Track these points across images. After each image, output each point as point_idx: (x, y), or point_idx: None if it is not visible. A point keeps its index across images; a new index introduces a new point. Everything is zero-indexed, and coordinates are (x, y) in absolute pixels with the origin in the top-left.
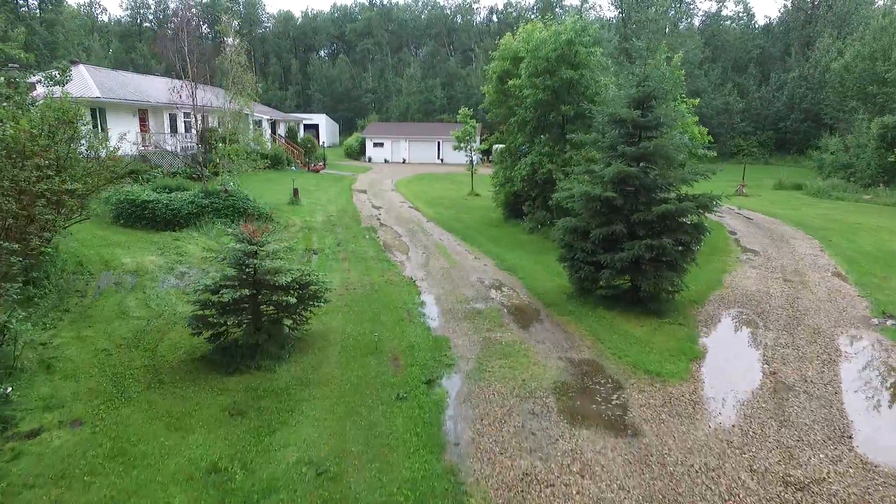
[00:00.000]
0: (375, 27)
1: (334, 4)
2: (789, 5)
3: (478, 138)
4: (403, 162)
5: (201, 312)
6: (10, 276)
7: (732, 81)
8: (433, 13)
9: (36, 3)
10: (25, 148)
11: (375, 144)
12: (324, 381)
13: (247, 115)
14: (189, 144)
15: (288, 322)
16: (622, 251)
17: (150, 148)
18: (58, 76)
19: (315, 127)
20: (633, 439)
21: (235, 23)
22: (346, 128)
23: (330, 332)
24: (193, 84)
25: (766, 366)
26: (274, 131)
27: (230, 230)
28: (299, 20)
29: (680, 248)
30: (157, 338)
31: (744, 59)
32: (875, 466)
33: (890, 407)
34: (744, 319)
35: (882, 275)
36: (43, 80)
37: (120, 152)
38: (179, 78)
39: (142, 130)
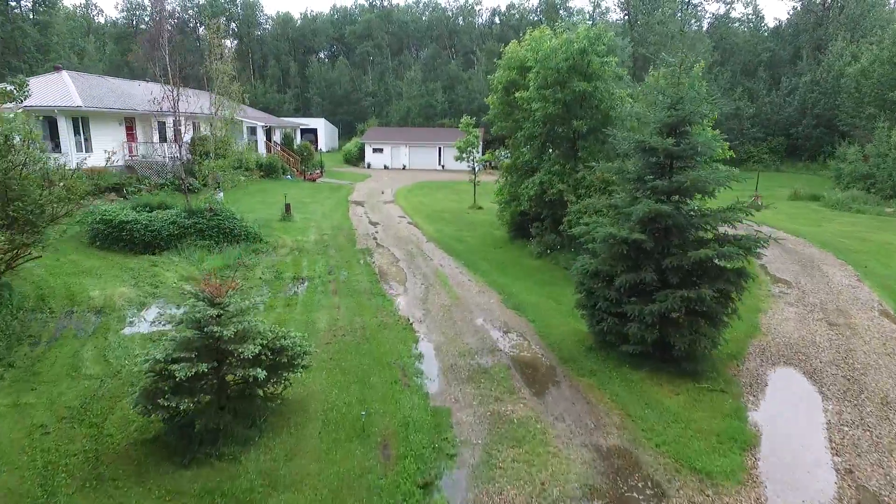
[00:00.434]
0: (375, 29)
1: (334, 6)
2: (799, 7)
3: (480, 147)
4: (403, 168)
5: (152, 387)
6: None
7: (742, 86)
8: (434, 15)
9: (29, 4)
10: None
11: (375, 150)
12: (297, 482)
13: (241, 122)
14: (178, 153)
15: (259, 393)
16: (652, 302)
17: (137, 158)
18: (14, 91)
19: (313, 131)
20: None
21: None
22: (346, 132)
23: (311, 398)
24: (175, 92)
25: (836, 457)
26: (269, 138)
27: (187, 288)
28: (298, 22)
29: (719, 297)
30: (107, 407)
31: (753, 62)
32: None
33: None
34: (794, 383)
35: None
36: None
37: (104, 164)
38: (163, 84)
39: (129, 140)
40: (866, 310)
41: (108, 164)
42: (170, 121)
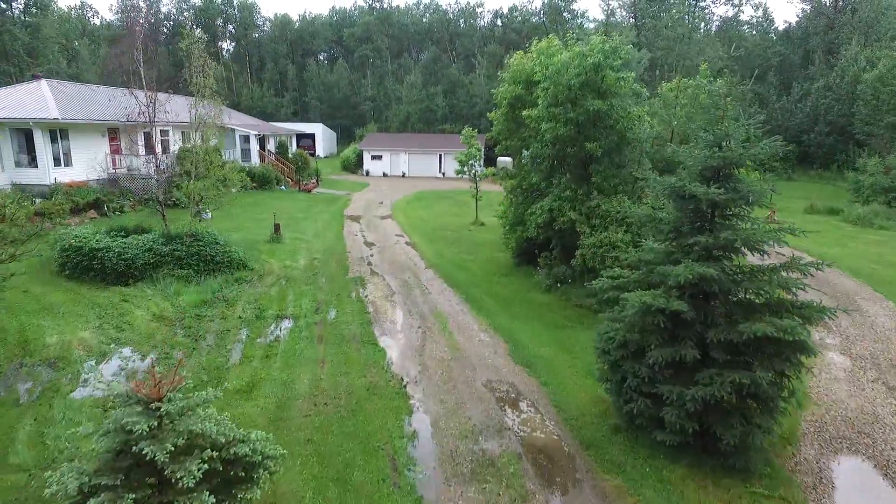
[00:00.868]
0: (374, 32)
1: (333, 7)
2: (808, 9)
3: (482, 158)
4: (403, 176)
5: None
6: None
7: (752, 91)
8: (435, 16)
9: (21, 6)
10: None
11: (373, 157)
12: None
13: (233, 130)
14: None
15: None
16: (694, 384)
17: (121, 171)
18: None
19: (311, 136)
20: None
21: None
22: (345, 136)
23: None
24: (152, 102)
25: None
26: (263, 147)
27: (117, 389)
28: (297, 24)
29: (775, 378)
30: None
31: (763, 66)
32: None
33: None
34: (866, 481)
35: None
36: None
37: (84, 178)
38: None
39: (113, 151)
40: None
41: (89, 178)
42: (157, 130)
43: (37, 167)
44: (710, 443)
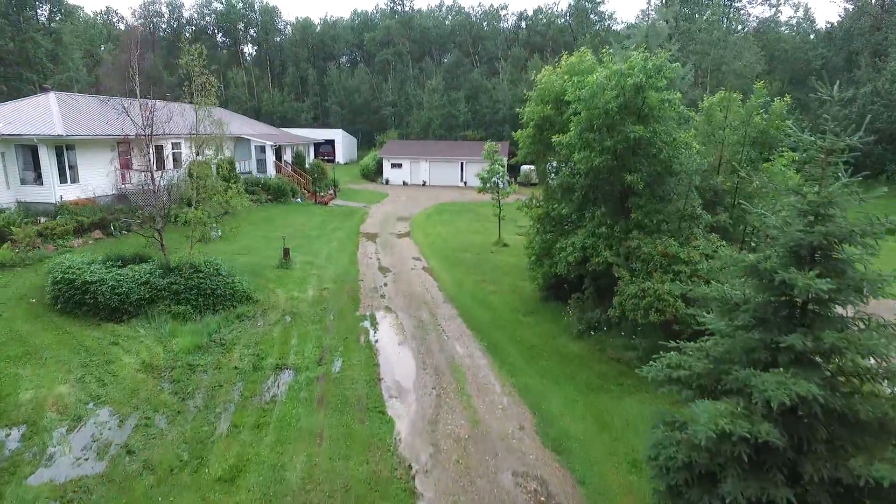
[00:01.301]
0: (396, 36)
1: (354, 10)
2: (851, 9)
3: (506, 176)
4: (423, 184)
5: None
6: None
7: (792, 96)
8: (457, 19)
9: (46, 13)
10: None
11: (393, 165)
12: None
13: (248, 140)
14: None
15: None
16: None
17: (130, 186)
18: None
19: (331, 143)
20: None
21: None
22: (366, 141)
23: None
24: (149, 116)
25: None
26: (279, 157)
27: None
28: (318, 27)
29: None
30: None
31: (803, 70)
32: None
33: None
34: None
35: None
36: None
37: (91, 194)
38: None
39: (122, 166)
40: None
41: (97, 195)
42: (168, 144)
43: (42, 184)
44: None
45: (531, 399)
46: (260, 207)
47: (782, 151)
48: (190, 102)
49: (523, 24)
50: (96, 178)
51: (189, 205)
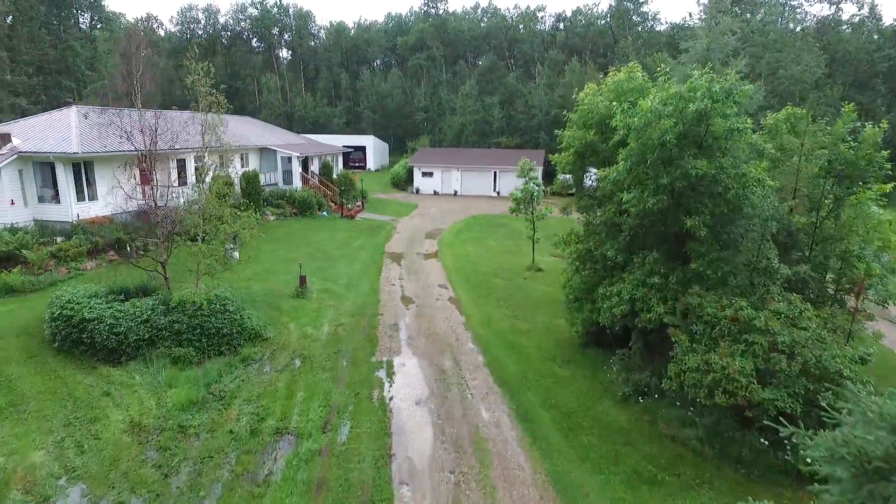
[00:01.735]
0: (429, 39)
1: (388, 14)
2: None
3: (540, 194)
4: (455, 194)
5: None
6: None
7: (855, 102)
8: (493, 21)
9: (87, 22)
10: None
11: (424, 174)
12: None
13: (275, 151)
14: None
15: None
16: None
17: (150, 203)
18: None
19: (362, 149)
20: None
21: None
22: (397, 146)
23: None
24: (152, 129)
25: None
26: (306, 168)
27: None
28: (352, 31)
29: None
30: None
31: (867, 73)
32: None
33: None
34: None
35: None
36: None
37: (110, 212)
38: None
39: (143, 183)
40: None
41: (115, 213)
42: (191, 157)
43: (59, 203)
44: None
45: (569, 495)
46: (284, 222)
47: (869, 184)
48: (214, 113)
49: (561, 26)
50: (115, 195)
51: (193, 239)
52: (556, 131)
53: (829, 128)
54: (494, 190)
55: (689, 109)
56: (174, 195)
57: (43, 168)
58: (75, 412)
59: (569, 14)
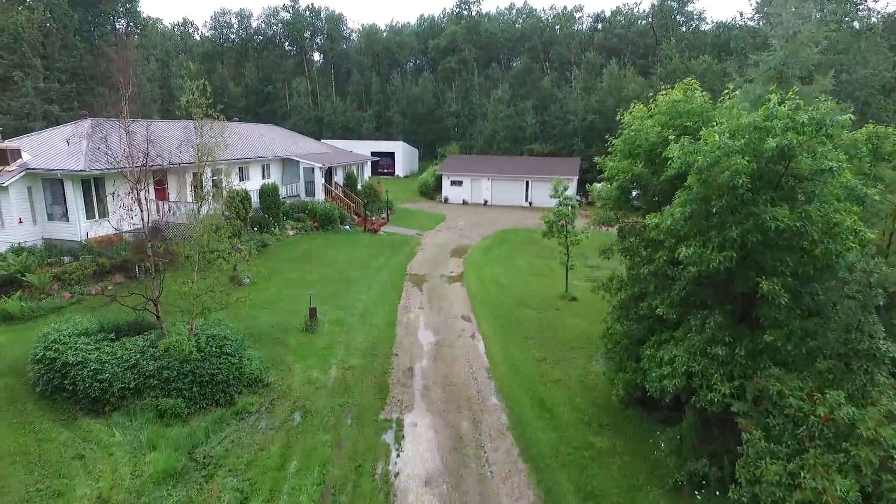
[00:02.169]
0: (461, 42)
1: (421, 16)
2: None
3: (576, 216)
4: (485, 204)
5: None
6: None
7: None
8: (528, 22)
9: (123, 26)
10: None
11: (453, 182)
12: None
13: (297, 162)
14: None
15: None
16: None
17: (165, 219)
18: None
19: (391, 155)
20: None
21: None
22: (428, 152)
23: None
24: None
25: None
26: (329, 180)
27: None
28: (384, 33)
29: None
30: None
31: None
32: None
33: None
34: None
35: None
36: None
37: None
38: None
39: (158, 198)
40: None
41: (125, 230)
42: (208, 170)
43: (68, 220)
44: None
45: None
46: (304, 237)
47: None
48: (238, 120)
49: (599, 27)
50: (127, 212)
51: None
52: (590, 117)
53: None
54: (526, 200)
55: (767, 146)
56: (178, 212)
57: (53, 185)
58: (39, 482)
59: (608, 14)
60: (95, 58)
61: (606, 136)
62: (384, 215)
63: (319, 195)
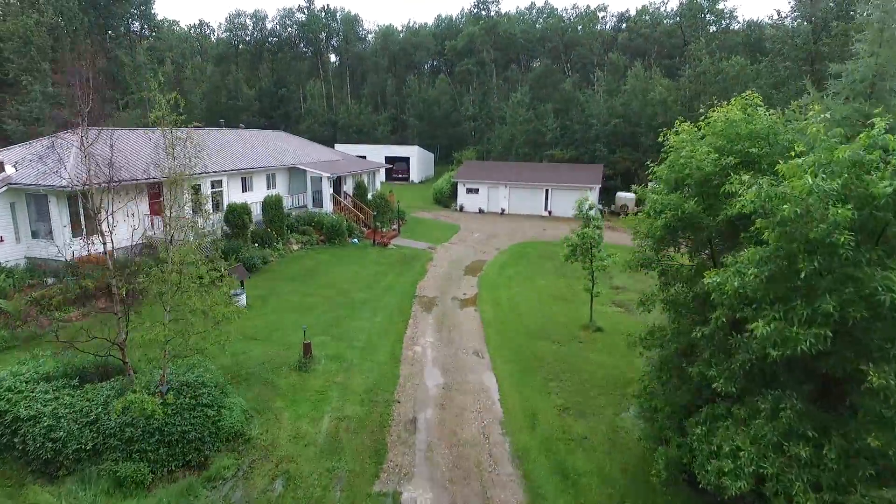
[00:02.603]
0: (479, 44)
1: (438, 16)
2: None
3: (602, 237)
4: (502, 213)
5: None
6: None
7: None
8: (549, 22)
9: (137, 28)
10: None
11: (469, 190)
12: None
13: (304, 171)
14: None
15: None
16: None
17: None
18: None
19: (405, 160)
20: None
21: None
22: (444, 157)
23: None
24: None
25: None
26: (337, 189)
27: None
28: (401, 34)
29: None
30: None
31: None
32: None
33: None
34: None
35: None
36: None
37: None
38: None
39: (153, 212)
40: None
41: (117, 247)
42: (207, 181)
43: (52, 239)
44: None
45: None
46: (308, 252)
47: None
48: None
49: (623, 26)
50: (118, 228)
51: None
52: (614, 122)
53: None
54: (546, 209)
55: (879, 191)
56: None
57: (38, 200)
58: None
59: (633, 13)
60: (108, 61)
61: (648, 164)
62: (395, 227)
63: (328, 206)
